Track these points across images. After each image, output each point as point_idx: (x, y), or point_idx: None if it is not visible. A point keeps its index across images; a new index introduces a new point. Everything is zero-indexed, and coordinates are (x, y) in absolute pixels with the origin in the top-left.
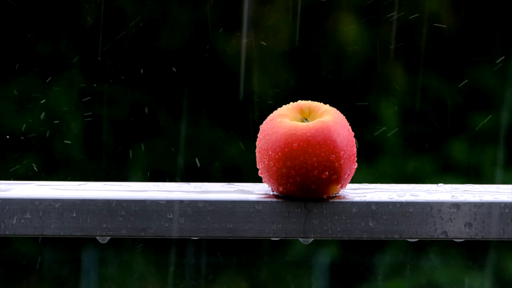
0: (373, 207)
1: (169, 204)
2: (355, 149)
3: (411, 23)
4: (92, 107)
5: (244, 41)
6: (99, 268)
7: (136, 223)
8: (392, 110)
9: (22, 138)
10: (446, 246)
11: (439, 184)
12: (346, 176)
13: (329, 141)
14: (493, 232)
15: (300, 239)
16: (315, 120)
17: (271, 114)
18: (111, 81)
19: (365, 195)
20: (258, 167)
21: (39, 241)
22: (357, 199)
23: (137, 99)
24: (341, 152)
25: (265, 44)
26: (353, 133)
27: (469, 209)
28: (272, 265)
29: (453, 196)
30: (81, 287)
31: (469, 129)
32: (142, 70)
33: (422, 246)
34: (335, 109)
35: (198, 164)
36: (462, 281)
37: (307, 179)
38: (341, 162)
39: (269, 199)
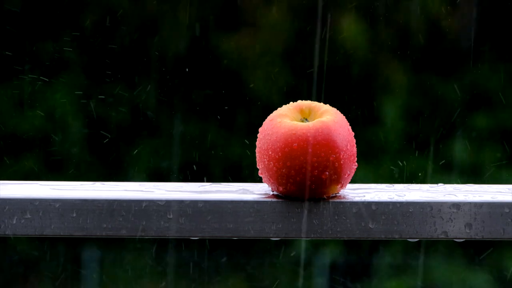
0: (373, 207)
1: (169, 204)
2: (355, 149)
3: (411, 23)
4: (92, 107)
5: (244, 40)
6: (99, 268)
7: (136, 223)
8: (392, 110)
9: (22, 138)
10: (446, 246)
11: (439, 184)
12: (346, 176)
13: (329, 141)
14: (493, 232)
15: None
16: (315, 120)
17: (271, 114)
18: (111, 81)
19: (365, 195)
20: (258, 167)
21: (39, 241)
22: (357, 199)
23: (138, 99)
24: (341, 152)
25: (265, 44)
26: (353, 133)
27: (469, 209)
28: (272, 265)
29: (453, 196)
30: (81, 287)
31: (469, 129)
32: (142, 70)
33: (422, 246)
34: (335, 109)
35: (198, 164)
36: (462, 281)
37: (307, 179)
38: (341, 162)
39: (269, 199)
